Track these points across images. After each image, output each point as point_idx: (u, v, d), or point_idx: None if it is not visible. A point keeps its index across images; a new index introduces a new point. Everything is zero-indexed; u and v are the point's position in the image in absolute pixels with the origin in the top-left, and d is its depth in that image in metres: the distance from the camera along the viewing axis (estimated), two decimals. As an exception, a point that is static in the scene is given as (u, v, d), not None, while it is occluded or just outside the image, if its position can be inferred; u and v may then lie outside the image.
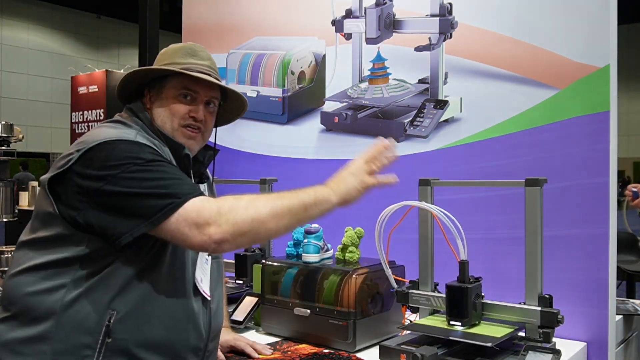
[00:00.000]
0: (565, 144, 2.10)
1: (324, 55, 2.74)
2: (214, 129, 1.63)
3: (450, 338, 1.72)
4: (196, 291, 1.47)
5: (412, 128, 2.46)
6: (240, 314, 2.13)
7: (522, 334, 1.81)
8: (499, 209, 2.20)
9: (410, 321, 2.07)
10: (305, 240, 2.09)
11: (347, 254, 2.11)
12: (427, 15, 2.43)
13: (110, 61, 19.60)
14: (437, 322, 1.88)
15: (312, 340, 1.97)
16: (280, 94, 2.85)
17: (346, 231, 2.16)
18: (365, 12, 2.57)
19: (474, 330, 1.78)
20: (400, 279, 2.03)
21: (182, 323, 1.43)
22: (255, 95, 2.91)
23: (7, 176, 3.24)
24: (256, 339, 1.95)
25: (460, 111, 2.37)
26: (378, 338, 1.93)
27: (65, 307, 1.34)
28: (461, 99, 2.37)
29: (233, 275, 2.47)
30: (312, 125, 2.74)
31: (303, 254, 2.08)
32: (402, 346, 1.76)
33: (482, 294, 1.84)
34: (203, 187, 1.65)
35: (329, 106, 2.71)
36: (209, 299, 1.52)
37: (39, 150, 17.39)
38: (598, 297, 2.01)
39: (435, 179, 2.01)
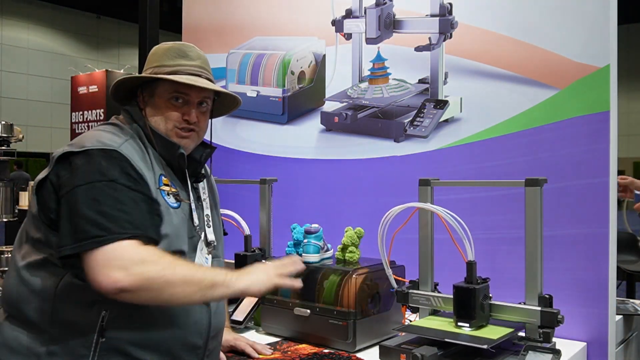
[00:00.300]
0: (565, 144, 2.10)
1: (324, 55, 2.74)
2: (210, 122, 1.63)
3: (446, 340, 1.71)
4: None
5: (412, 128, 2.46)
6: (240, 314, 2.13)
7: (522, 334, 1.81)
8: (499, 209, 2.20)
9: (410, 321, 2.07)
10: (305, 240, 2.09)
11: (347, 254, 2.11)
12: (427, 15, 2.43)
13: (110, 61, 19.61)
14: (435, 323, 1.87)
15: (312, 340, 1.97)
16: (280, 94, 2.85)
17: (346, 231, 2.16)
18: (365, 12, 2.57)
19: (470, 331, 1.77)
20: (400, 279, 2.03)
21: (178, 321, 1.43)
22: (255, 95, 2.91)
23: (7, 176, 3.24)
24: (256, 339, 1.95)
25: (460, 111, 2.37)
26: (378, 338, 1.93)
27: (57, 306, 1.35)
28: (461, 99, 2.37)
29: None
30: (312, 125, 2.74)
31: (303, 254, 2.08)
32: (402, 346, 1.76)
33: (490, 295, 1.83)
34: (202, 185, 1.65)
35: (329, 106, 2.71)
36: None
37: (39, 150, 17.40)
38: (598, 297, 2.01)
39: (435, 179, 2.01)
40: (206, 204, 1.63)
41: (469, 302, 1.76)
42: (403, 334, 1.91)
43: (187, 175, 1.57)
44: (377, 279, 2.00)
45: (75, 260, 1.30)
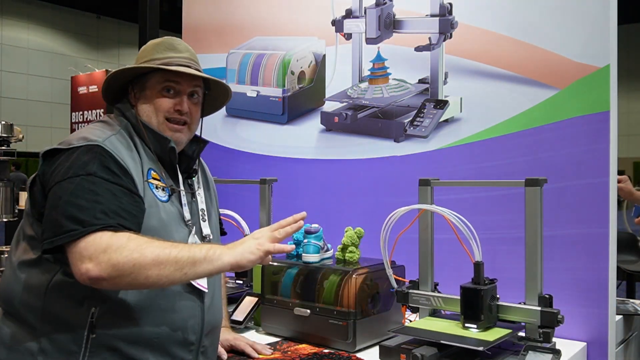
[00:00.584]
0: (565, 144, 2.10)
1: (324, 55, 2.74)
2: (201, 121, 1.64)
3: (441, 342, 1.70)
4: (189, 285, 1.47)
5: (412, 128, 2.46)
6: (240, 314, 2.13)
7: (522, 334, 1.81)
8: (499, 209, 2.20)
9: (410, 321, 2.07)
10: (305, 240, 2.09)
11: (347, 254, 2.11)
12: (427, 15, 2.43)
13: (110, 61, 19.60)
14: (432, 324, 1.87)
15: (312, 340, 1.97)
16: (280, 94, 2.85)
17: (346, 231, 2.16)
18: (365, 12, 2.57)
19: (466, 333, 1.76)
20: (400, 278, 2.03)
21: (168, 317, 1.43)
22: (255, 95, 2.92)
23: (7, 176, 3.24)
24: (256, 339, 1.95)
25: (460, 111, 2.37)
26: (378, 338, 1.93)
27: (48, 303, 1.37)
28: (461, 99, 2.37)
29: (233, 275, 2.48)
30: (312, 125, 2.74)
31: (303, 254, 2.08)
32: (402, 346, 1.75)
33: (498, 296, 1.82)
34: (196, 179, 1.65)
35: (329, 106, 2.71)
36: (205, 291, 1.51)
37: (39, 151, 17.32)
38: (598, 297, 2.01)
39: (435, 179, 2.01)
40: (201, 198, 1.63)
41: (477, 303, 1.75)
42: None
43: (179, 169, 1.57)
44: (377, 279, 2.00)
45: (64, 256, 1.32)
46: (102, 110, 8.22)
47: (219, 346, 1.81)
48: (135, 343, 1.38)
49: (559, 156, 2.11)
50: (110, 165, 1.38)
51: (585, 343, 2.01)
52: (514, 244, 2.01)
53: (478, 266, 1.79)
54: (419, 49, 2.46)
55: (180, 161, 1.59)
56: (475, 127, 2.32)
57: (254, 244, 1.35)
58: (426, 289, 1.98)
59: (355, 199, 2.59)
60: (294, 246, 1.40)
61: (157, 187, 1.47)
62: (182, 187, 1.56)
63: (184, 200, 1.55)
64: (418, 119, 2.45)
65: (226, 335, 1.87)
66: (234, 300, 2.21)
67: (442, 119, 2.39)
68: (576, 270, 2.05)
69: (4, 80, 18.16)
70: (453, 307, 1.87)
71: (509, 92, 2.25)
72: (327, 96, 2.72)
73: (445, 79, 2.41)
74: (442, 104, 2.40)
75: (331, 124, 2.68)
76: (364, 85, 2.62)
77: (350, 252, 2.11)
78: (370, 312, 1.96)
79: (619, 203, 2.30)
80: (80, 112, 8.56)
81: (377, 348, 1.82)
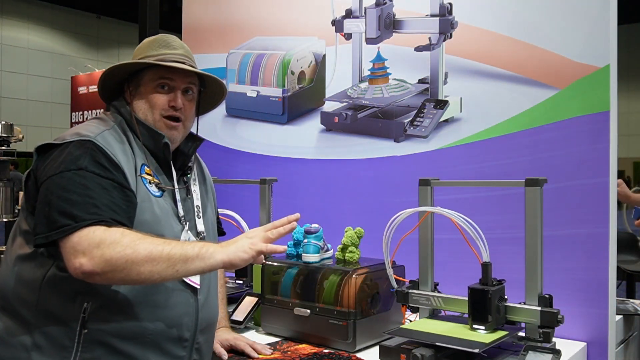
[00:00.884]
0: (565, 144, 2.10)
1: (324, 55, 2.74)
2: (196, 119, 1.65)
3: (437, 344, 1.69)
4: (183, 282, 1.47)
5: (412, 128, 2.46)
6: (240, 314, 2.12)
7: (522, 334, 1.81)
8: (499, 209, 2.20)
9: (410, 321, 2.07)
10: (305, 240, 2.09)
11: (347, 254, 2.11)
12: (427, 15, 2.43)
13: (110, 61, 19.58)
14: (430, 324, 1.87)
15: (312, 340, 1.97)
16: (280, 94, 2.85)
17: (346, 231, 2.16)
18: (365, 12, 2.57)
19: (462, 334, 1.74)
20: (400, 278, 2.03)
21: (162, 313, 1.43)
22: (255, 95, 2.92)
23: (7, 176, 3.24)
24: (256, 339, 1.95)
25: (460, 111, 2.37)
26: (378, 338, 1.93)
27: (42, 297, 1.37)
28: (461, 99, 2.37)
29: (233, 275, 2.48)
30: (312, 125, 2.74)
31: (303, 254, 2.08)
32: (402, 346, 1.75)
33: (506, 297, 1.81)
34: (192, 176, 1.65)
35: (329, 106, 2.71)
36: (197, 287, 1.51)
37: (39, 150, 17.36)
38: (598, 297, 2.01)
39: (435, 179, 2.01)
40: (196, 195, 1.64)
41: (485, 304, 1.74)
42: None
43: (173, 166, 1.57)
44: (377, 279, 2.00)
45: (57, 251, 1.32)
46: (102, 110, 8.21)
47: (220, 346, 1.82)
48: (128, 339, 1.39)
49: (559, 156, 2.11)
50: (101, 160, 1.39)
51: (585, 343, 2.01)
52: (514, 244, 2.01)
53: (486, 267, 1.79)
54: (419, 49, 2.46)
55: (176, 158, 1.59)
56: (475, 127, 2.32)
57: (247, 243, 1.36)
58: (426, 289, 1.98)
59: (355, 199, 2.59)
60: (286, 247, 1.41)
61: (150, 182, 1.48)
62: (176, 184, 1.56)
63: (177, 196, 1.55)
64: (418, 119, 2.45)
65: (226, 335, 1.87)
66: (234, 300, 2.21)
67: (442, 119, 2.39)
68: (576, 270, 2.05)
69: (4, 80, 18.15)
70: (453, 307, 1.87)
71: (509, 92, 2.25)
72: (327, 96, 2.72)
73: (445, 79, 2.41)
74: (442, 104, 2.40)
75: (331, 124, 2.68)
76: (364, 85, 2.62)
77: (350, 252, 2.11)
78: (370, 312, 1.96)
79: (619, 203, 2.31)
80: (80, 112, 8.55)
81: (377, 348, 1.82)
